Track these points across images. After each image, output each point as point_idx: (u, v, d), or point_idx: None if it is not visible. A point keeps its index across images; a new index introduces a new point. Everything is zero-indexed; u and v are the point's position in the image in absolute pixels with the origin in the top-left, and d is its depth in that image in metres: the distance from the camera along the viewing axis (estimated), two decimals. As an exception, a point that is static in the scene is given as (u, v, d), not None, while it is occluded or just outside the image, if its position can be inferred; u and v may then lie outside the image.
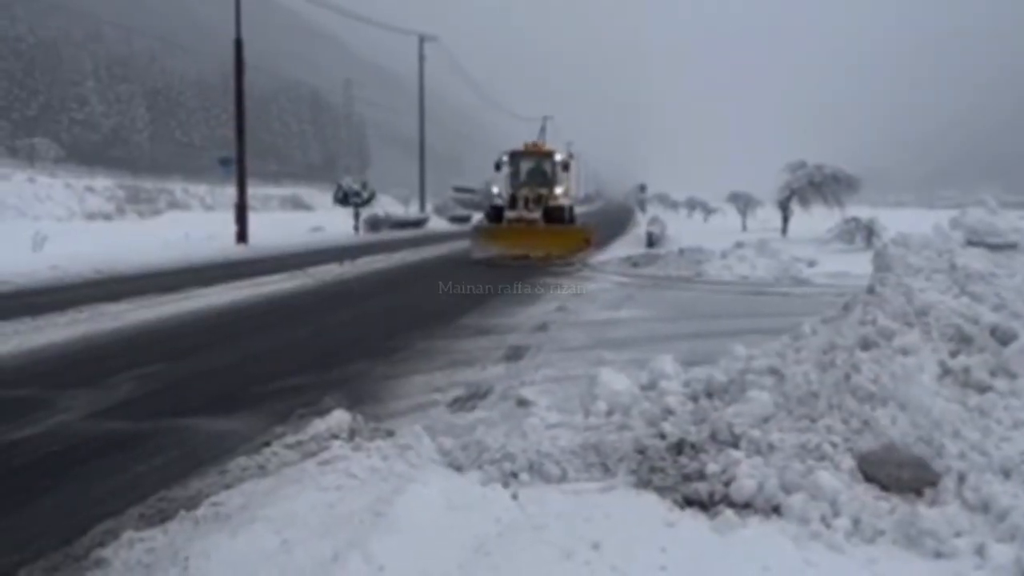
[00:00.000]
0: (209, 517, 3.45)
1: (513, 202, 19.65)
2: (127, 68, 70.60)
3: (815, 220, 27.44)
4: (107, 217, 41.05)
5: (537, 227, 18.96)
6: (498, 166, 20.68)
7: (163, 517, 3.58)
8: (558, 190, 20.29)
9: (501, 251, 18.25)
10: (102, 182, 50.10)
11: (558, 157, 20.87)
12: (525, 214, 19.20)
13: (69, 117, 62.99)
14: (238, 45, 23.10)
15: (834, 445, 3.68)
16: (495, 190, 21.07)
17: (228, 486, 3.89)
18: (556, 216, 19.52)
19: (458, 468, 3.97)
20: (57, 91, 62.00)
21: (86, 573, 3.07)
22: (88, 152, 61.57)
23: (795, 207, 29.05)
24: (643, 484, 3.68)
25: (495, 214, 20.18)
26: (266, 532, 3.15)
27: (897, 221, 14.85)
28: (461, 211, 42.64)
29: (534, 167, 20.81)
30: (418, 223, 35.85)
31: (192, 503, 3.68)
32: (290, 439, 4.56)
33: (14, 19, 60.61)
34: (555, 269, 16.64)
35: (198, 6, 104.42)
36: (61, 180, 46.61)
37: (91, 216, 40.22)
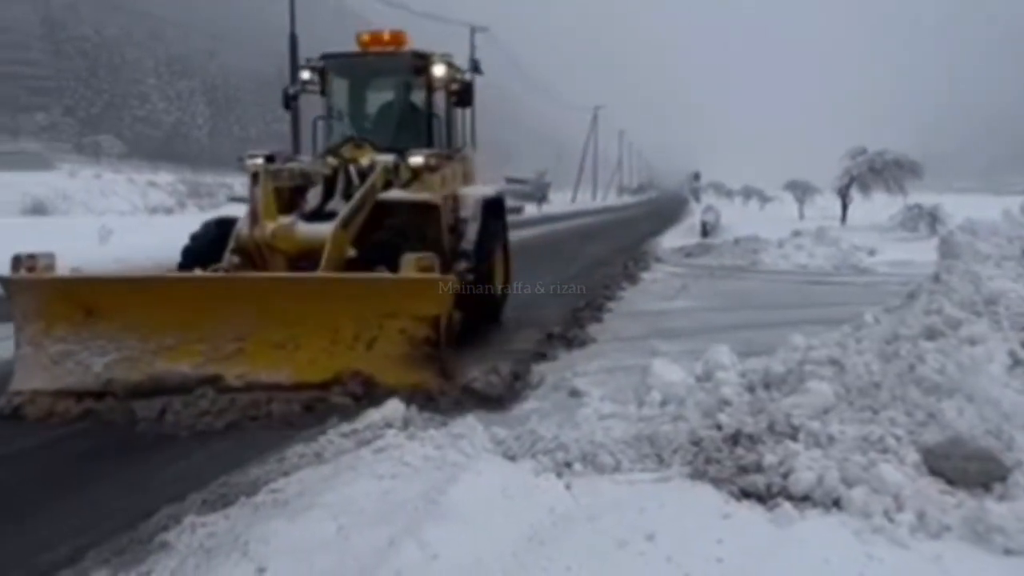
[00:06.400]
0: (268, 503, 3.53)
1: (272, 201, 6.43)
2: (186, 65, 72.42)
3: (876, 208, 26.75)
4: (168, 211, 42.20)
5: (296, 282, 5.83)
6: (291, 98, 8.62)
7: (224, 503, 3.66)
8: (419, 159, 7.48)
9: (122, 366, 5.49)
10: (164, 177, 51.56)
11: (439, 70, 8.02)
12: (299, 234, 6.36)
13: (132, 114, 64.92)
14: (293, 40, 23.45)
15: (897, 438, 3.58)
16: (252, 168, 6.42)
17: (286, 473, 3.96)
18: (419, 234, 6.80)
19: (511, 458, 3.98)
20: (120, 89, 63.93)
21: (150, 556, 3.16)
22: (150, 148, 63.37)
23: (855, 194, 28.39)
24: (698, 475, 3.64)
25: (209, 241, 6.73)
26: (323, 518, 3.21)
27: (962, 208, 14.39)
28: (513, 202, 42.65)
29: (389, 99, 8.53)
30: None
31: (251, 489, 3.76)
32: (345, 427, 4.63)
33: (80, 20, 62.59)
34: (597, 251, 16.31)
35: (252, 2, 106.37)
36: (125, 176, 48.13)
37: (153, 210, 41.38)
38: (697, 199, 59.32)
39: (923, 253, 10.49)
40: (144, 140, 63.97)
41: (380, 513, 3.23)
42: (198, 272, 6.06)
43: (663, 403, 4.56)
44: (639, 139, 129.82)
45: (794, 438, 3.74)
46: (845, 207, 28.56)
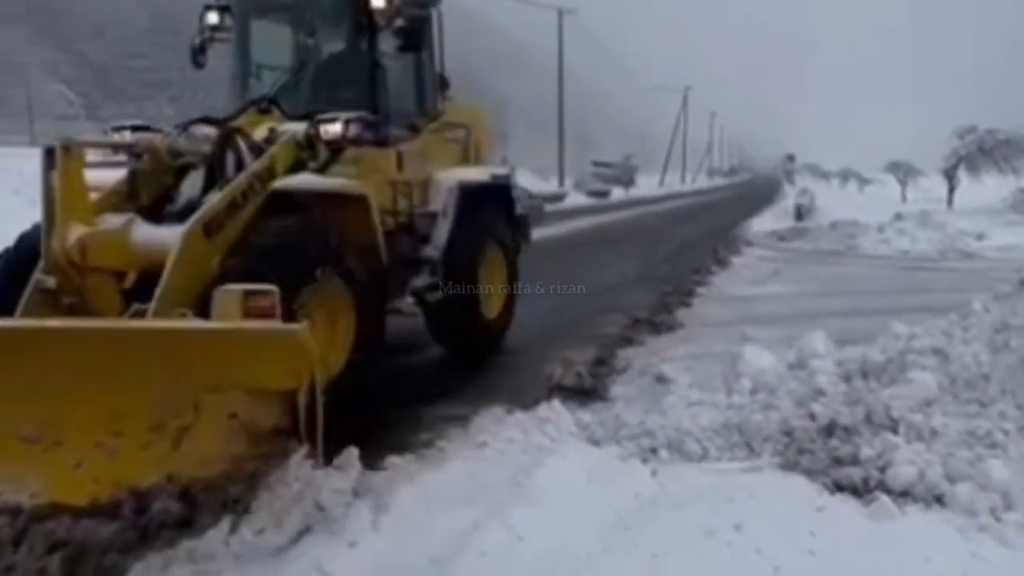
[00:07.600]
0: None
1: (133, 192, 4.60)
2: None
3: (986, 190, 25.40)
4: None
5: (53, 334, 3.11)
6: (198, 52, 6.05)
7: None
8: (335, 127, 4.80)
9: None
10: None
11: (378, 1, 5.42)
12: (134, 242, 4.14)
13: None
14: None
15: (1007, 433, 3.40)
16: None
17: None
18: (333, 239, 4.47)
19: (596, 443, 3.97)
20: (220, 80, 66.48)
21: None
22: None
23: (963, 176, 27.02)
24: (790, 466, 3.54)
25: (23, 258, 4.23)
26: (411, 499, 3.27)
27: (1083, 189, 13.46)
28: (599, 186, 42.43)
29: (318, 46, 5.97)
30: (557, 198, 35.81)
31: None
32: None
33: (185, 14, 65.36)
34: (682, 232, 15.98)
35: None
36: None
37: (251, 196, 42.84)
38: (791, 182, 57.47)
39: (1037, 238, 9.90)
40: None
41: (467, 495, 3.27)
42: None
43: (753, 391, 4.45)
44: (730, 121, 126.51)
45: (894, 430, 3.60)
46: (952, 189, 27.21)
